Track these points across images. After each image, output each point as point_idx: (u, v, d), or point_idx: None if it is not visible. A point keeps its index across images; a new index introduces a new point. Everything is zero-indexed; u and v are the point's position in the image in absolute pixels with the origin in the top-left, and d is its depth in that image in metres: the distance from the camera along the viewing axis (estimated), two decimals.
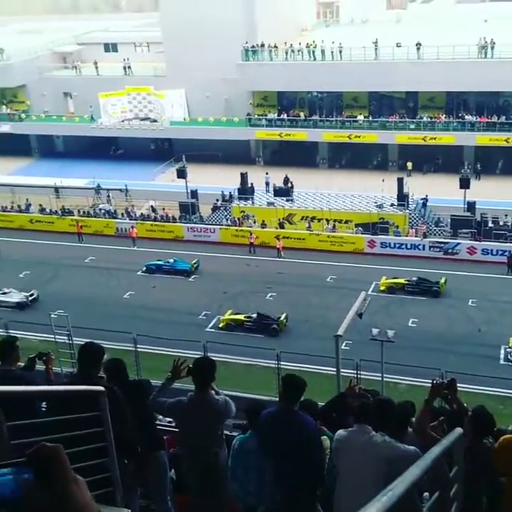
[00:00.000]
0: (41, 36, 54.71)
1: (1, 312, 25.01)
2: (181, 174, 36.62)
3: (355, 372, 16.79)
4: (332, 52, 41.86)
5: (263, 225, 34.02)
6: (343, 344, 14.26)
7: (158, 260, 31.20)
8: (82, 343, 5.48)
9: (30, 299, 27.62)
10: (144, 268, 30.99)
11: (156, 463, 5.93)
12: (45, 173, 42.64)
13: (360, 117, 42.80)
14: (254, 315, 25.43)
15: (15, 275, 29.99)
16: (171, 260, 31.12)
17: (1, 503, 1.09)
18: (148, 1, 70.88)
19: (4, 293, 27.74)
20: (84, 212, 37.17)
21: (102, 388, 4.00)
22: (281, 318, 25.21)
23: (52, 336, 20.01)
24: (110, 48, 53.40)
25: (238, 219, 34.91)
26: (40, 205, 37.48)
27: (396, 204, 33.44)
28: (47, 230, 35.81)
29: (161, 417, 7.39)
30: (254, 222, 34.39)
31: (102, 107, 46.19)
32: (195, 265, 30.95)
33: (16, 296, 27.60)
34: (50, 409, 4.26)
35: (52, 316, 20.87)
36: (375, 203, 33.51)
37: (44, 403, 4.65)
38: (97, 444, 3.63)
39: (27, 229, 36.19)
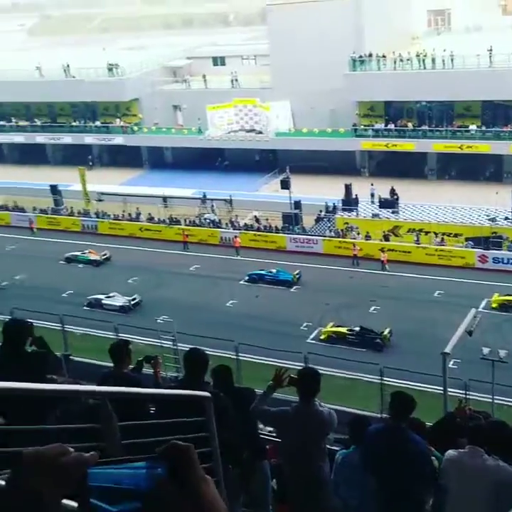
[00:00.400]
0: (152, 52, 56.93)
1: (106, 315, 25.99)
2: (285, 185, 36.78)
3: (463, 392, 16.09)
4: (443, 60, 40.77)
5: (367, 237, 33.52)
6: (451, 362, 13.76)
7: (261, 270, 31.42)
8: (187, 348, 5.56)
9: (132, 303, 28.61)
10: (247, 277, 31.30)
11: (259, 472, 5.89)
12: (154, 184, 44.15)
13: (473, 127, 41.34)
14: (357, 328, 24.98)
15: (124, 280, 31.13)
16: (274, 270, 31.25)
17: (135, 494, 1.17)
18: (256, 14, 72.06)
19: (109, 297, 28.85)
20: (190, 221, 38.15)
21: (207, 394, 4.02)
22: (385, 333, 24.61)
23: (158, 341, 20.52)
24: (218, 61, 54.70)
25: (342, 230, 34.59)
26: (149, 214, 38.82)
27: (511, 218, 32.03)
28: (155, 238, 36.99)
29: (261, 425, 7.37)
30: (358, 233, 33.96)
31: (209, 119, 47.30)
32: (297, 276, 30.92)
33: (120, 300, 28.66)
34: (158, 412, 4.33)
35: (158, 321, 21.47)
36: (488, 216, 32.24)
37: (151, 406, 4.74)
38: (202, 449, 3.63)
39: (136, 237, 37.54)
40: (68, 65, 50.97)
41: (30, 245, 36.59)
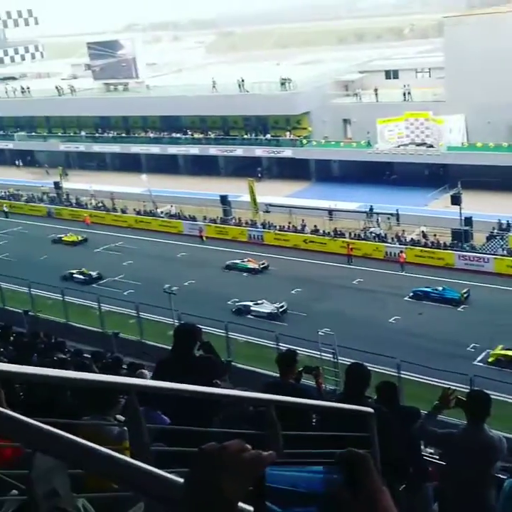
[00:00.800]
0: (325, 66, 57.52)
1: (253, 322, 26.46)
2: (456, 200, 35.34)
3: None
4: None
5: None
6: None
7: (427, 287, 30.39)
8: (347, 362, 5.47)
9: (280, 310, 28.96)
10: (411, 294, 30.42)
11: (421, 493, 5.64)
12: (320, 196, 44.40)
13: None
14: None
15: (286, 291, 31.51)
16: (440, 288, 30.09)
17: (311, 499, 1.17)
18: (431, 27, 70.31)
19: (257, 304, 29.43)
20: (355, 234, 37.88)
21: (371, 410, 3.90)
22: None
23: (317, 353, 20.49)
24: (391, 74, 53.95)
25: None
26: (315, 226, 39.09)
27: None
28: (319, 250, 37.14)
29: (422, 446, 7.08)
30: None
31: (379, 133, 46.75)
32: (465, 295, 29.51)
33: (268, 307, 29.12)
34: (321, 423, 4.26)
35: (319, 333, 21.48)
36: None
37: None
38: None
39: (300, 248, 37.94)
40: (243, 80, 52.96)
41: (200, 253, 38.29)
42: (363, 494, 1.14)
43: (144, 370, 8.71)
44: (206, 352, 5.63)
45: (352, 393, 4.93)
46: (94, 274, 33.99)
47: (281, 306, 29.19)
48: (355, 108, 50.32)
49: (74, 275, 33.83)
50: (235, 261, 35.73)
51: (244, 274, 34.81)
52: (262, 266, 35.11)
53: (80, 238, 41.65)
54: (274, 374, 20.90)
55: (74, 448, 1.17)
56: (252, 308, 29.24)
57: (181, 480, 1.09)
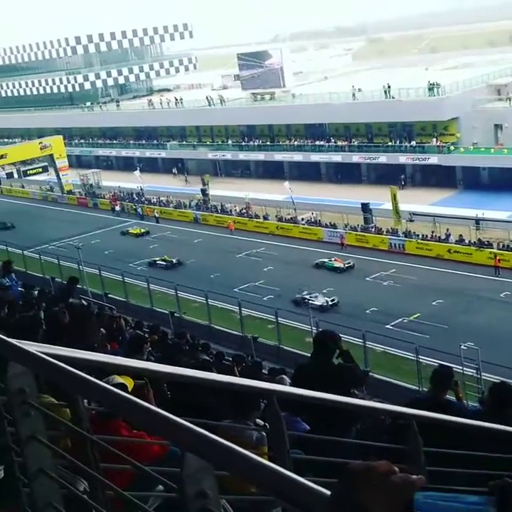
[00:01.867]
0: (476, 70, 55.26)
1: (392, 332, 25.73)
2: None
3: None
4: None
5: None
6: None
7: None
8: (492, 379, 5.21)
9: (331, 303, 30.32)
10: None
11: None
12: (467, 205, 42.67)
13: None
14: None
15: (427, 302, 30.56)
16: None
17: None
18: None
19: (312, 296, 30.70)
20: (503, 245, 35.96)
21: None
22: None
23: (459, 367, 19.69)
24: None
25: None
26: (460, 235, 37.60)
27: None
28: (463, 261, 35.67)
29: None
30: None
31: None
32: None
33: (320, 300, 30.48)
34: (462, 441, 4.09)
35: (462, 347, 20.64)
36: None
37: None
38: None
39: (444, 258, 36.64)
40: (389, 86, 52.18)
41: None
42: None
43: (284, 376, 8.82)
44: (345, 360, 5.60)
45: (496, 411, 4.70)
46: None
47: (333, 300, 30.31)
48: (507, 113, 47.87)
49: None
50: (323, 260, 37.19)
51: (384, 283, 34.20)
52: (347, 265, 36.17)
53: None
54: (412, 386, 20.40)
55: (223, 450, 1.22)
56: (307, 299, 30.40)
57: (326, 491, 1.09)
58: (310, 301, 29.89)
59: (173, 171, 65.78)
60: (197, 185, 56.26)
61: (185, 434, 1.31)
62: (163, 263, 38.38)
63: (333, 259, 37.17)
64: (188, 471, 1.28)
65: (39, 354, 1.89)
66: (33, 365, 1.94)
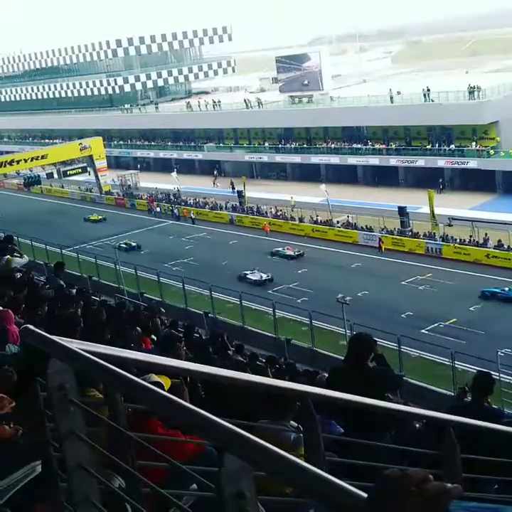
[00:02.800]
0: None
1: (427, 337, 25.40)
2: None
3: None
4: None
5: None
6: None
7: None
8: None
9: (265, 279, 34.62)
10: None
11: None
12: (507, 209, 41.96)
13: None
14: None
15: (464, 307, 30.13)
16: None
17: None
18: None
19: (252, 272, 35.32)
20: None
21: None
22: None
23: (495, 374, 19.36)
24: None
25: None
26: (499, 240, 36.99)
27: None
28: (502, 266, 35.08)
29: None
30: None
31: None
32: None
33: (256, 275, 35.02)
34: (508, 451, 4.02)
35: (499, 353, 20.31)
36: None
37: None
38: None
39: (482, 263, 36.06)
40: (429, 89, 51.65)
41: (375, 264, 37.85)
42: None
43: (326, 374, 8.72)
44: (379, 364, 5.55)
45: None
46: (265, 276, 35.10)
47: (268, 276, 34.98)
48: None
49: (247, 276, 35.60)
50: (277, 249, 40.90)
51: (420, 287, 33.82)
52: (297, 253, 39.85)
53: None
54: (447, 392, 20.10)
55: (262, 451, 1.22)
56: (247, 276, 35.11)
57: (363, 494, 1.08)
58: (248, 277, 34.91)
59: (215, 173, 66.13)
60: (218, 188, 56.75)
61: (225, 434, 1.31)
62: (125, 246, 43.65)
63: (285, 248, 40.78)
64: (226, 471, 1.28)
65: (79, 351, 1.92)
66: (73, 362, 1.97)
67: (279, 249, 40.88)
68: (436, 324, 28.22)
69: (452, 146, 52.26)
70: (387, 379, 5.12)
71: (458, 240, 38.86)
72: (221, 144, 70.28)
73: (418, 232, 41.01)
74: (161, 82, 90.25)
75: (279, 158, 63.50)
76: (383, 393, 4.89)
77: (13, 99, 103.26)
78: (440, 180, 50.75)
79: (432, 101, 51.66)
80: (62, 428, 2.02)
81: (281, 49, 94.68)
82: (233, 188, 57.30)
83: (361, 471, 2.66)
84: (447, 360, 21.14)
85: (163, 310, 14.62)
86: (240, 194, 52.75)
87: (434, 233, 40.42)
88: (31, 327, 2.22)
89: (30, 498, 2.79)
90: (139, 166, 75.48)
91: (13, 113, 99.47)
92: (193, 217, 52.03)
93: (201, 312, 27.19)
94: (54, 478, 2.17)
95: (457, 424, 2.78)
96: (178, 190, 57.69)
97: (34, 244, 34.03)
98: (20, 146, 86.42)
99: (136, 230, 49.58)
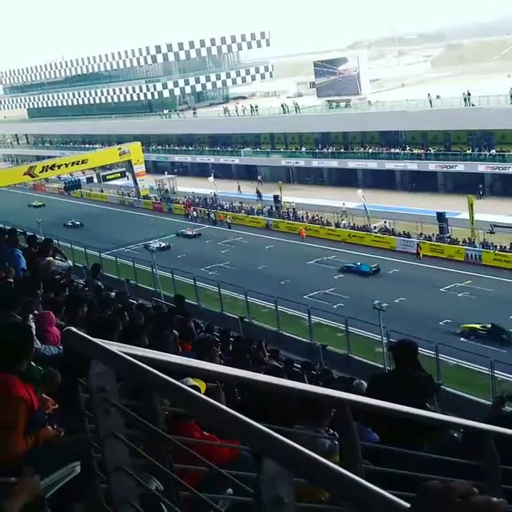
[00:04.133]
0: None
1: (466, 345, 24.94)
2: None
3: None
4: None
5: None
6: None
7: None
8: None
9: (163, 246, 44.14)
10: None
11: None
12: None
13: None
14: None
15: (504, 315, 29.46)
16: None
17: None
18: None
19: (154, 242, 44.42)
20: None
21: None
22: None
23: None
24: None
25: None
26: None
27: None
28: None
29: None
30: None
31: None
32: None
33: (157, 244, 43.76)
34: None
35: None
36: None
37: None
38: None
39: None
40: (469, 94, 50.97)
41: (412, 270, 37.42)
42: None
43: (363, 381, 8.67)
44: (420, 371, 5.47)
45: None
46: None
47: (167, 245, 44.73)
48: None
49: (150, 245, 42.80)
50: (182, 230, 49.71)
51: (459, 294, 33.29)
52: (194, 232, 48.75)
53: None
54: (485, 401, 19.72)
55: (303, 457, 1.22)
56: (150, 245, 43.03)
57: (406, 504, 1.06)
58: (150, 246, 42.19)
59: (259, 178, 66.22)
60: (268, 192, 56.64)
61: (265, 439, 1.31)
62: (71, 224, 53.51)
63: (187, 228, 49.84)
64: (265, 476, 1.28)
65: (120, 353, 1.94)
66: (114, 364, 2.00)
67: (183, 230, 49.77)
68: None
69: (493, 151, 51.43)
70: (430, 387, 5.05)
71: (498, 247, 38.20)
72: (258, 149, 70.43)
73: (457, 239, 40.45)
74: (199, 88, 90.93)
75: (315, 162, 63.38)
76: (424, 401, 4.82)
77: (54, 104, 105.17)
78: (480, 186, 49.98)
79: (473, 105, 50.93)
80: (102, 429, 2.05)
81: (319, 53, 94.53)
82: (259, 194, 57.34)
83: (396, 480, 2.63)
84: (486, 368, 20.78)
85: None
86: (276, 199, 52.76)
87: (474, 240, 39.81)
88: (73, 329, 2.25)
89: (69, 498, 2.84)
90: (176, 170, 76.14)
91: (54, 118, 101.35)
92: (229, 221, 52.22)
93: (237, 316, 27.24)
94: (93, 479, 2.20)
95: (497, 434, 2.73)
96: (215, 195, 57.99)
97: (74, 247, 34.54)
98: (62, 151, 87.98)
99: (173, 234, 49.97)
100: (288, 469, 1.28)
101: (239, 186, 63.07)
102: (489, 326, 27.35)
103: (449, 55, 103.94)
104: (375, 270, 37.20)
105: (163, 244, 44.99)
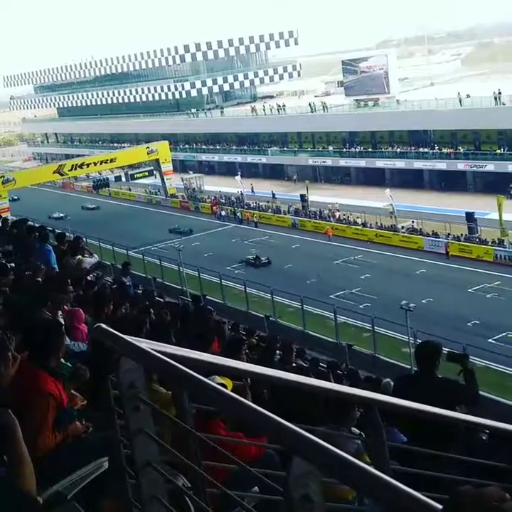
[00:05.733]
0: None
1: (496, 348, 24.63)
2: None
3: None
4: None
5: None
6: None
7: None
8: None
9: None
10: None
11: None
12: None
13: None
14: None
15: None
16: None
17: None
18: None
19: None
20: None
21: None
22: None
23: None
24: None
25: None
26: None
27: None
28: None
29: None
30: None
31: None
32: None
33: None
34: None
35: None
36: None
37: None
38: None
39: None
40: (500, 92, 50.31)
41: (440, 270, 37.04)
42: None
43: (390, 381, 8.56)
44: (467, 381, 5.37)
45: None
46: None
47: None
48: None
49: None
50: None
51: (488, 295, 32.84)
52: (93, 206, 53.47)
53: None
54: None
55: (333, 457, 1.21)
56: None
57: (438, 506, 1.05)
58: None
59: (294, 177, 66.06)
60: (295, 191, 56.57)
61: (294, 438, 1.31)
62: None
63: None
64: (294, 475, 1.28)
65: (150, 350, 1.95)
66: (143, 361, 2.01)
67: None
68: (504, 334, 27.35)
69: None
70: (459, 391, 5.00)
71: None
72: (285, 148, 70.36)
73: (486, 239, 39.96)
74: (226, 87, 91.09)
75: (343, 162, 63.11)
76: (454, 405, 4.77)
77: (84, 104, 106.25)
78: (510, 186, 49.29)
79: (503, 104, 50.25)
80: (131, 426, 2.06)
81: (348, 52, 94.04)
82: (273, 194, 57.10)
83: (424, 481, 2.61)
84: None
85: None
86: (303, 198, 52.65)
87: (503, 240, 39.28)
88: (103, 326, 2.27)
89: (97, 493, 2.87)
90: (203, 169, 76.41)
91: (84, 117, 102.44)
92: (256, 220, 52.24)
93: (262, 315, 27.24)
94: (122, 475, 2.22)
95: None
96: (242, 194, 58.05)
97: (102, 245, 34.85)
98: (90, 150, 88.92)
99: (201, 232, 50.15)
100: (317, 468, 1.28)
101: (252, 186, 62.58)
102: None
103: (480, 54, 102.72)
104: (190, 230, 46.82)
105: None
